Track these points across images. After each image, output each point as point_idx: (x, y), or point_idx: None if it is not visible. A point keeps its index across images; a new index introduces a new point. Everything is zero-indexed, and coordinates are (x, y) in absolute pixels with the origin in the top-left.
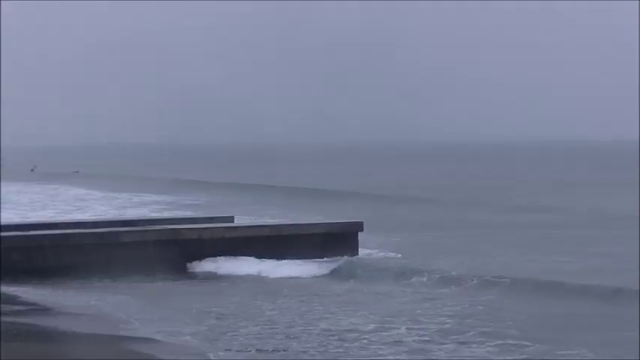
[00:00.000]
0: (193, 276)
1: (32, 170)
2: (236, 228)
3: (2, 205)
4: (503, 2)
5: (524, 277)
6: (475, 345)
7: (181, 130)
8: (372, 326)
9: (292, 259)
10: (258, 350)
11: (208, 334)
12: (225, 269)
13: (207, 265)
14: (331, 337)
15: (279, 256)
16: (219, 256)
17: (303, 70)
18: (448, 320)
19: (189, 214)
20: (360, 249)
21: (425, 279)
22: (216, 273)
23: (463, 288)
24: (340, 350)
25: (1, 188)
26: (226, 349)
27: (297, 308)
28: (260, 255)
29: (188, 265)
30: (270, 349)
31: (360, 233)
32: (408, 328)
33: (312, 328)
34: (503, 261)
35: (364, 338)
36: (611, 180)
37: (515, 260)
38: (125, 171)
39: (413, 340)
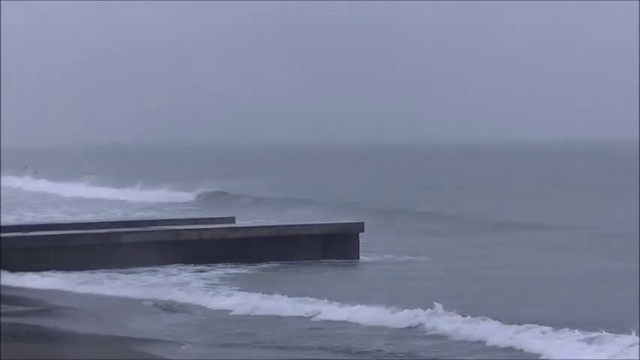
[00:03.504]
0: None
1: (36, 172)
2: (236, 229)
3: (13, 209)
4: (503, 2)
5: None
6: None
7: (181, 131)
8: None
9: (294, 260)
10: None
11: (217, 339)
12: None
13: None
14: None
15: (279, 258)
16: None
17: (303, 70)
18: None
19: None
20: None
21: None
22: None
23: None
24: None
25: (11, 190)
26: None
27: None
28: (261, 257)
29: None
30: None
31: (361, 234)
32: None
33: None
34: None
35: None
36: (610, 184)
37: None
38: (139, 171)
39: None
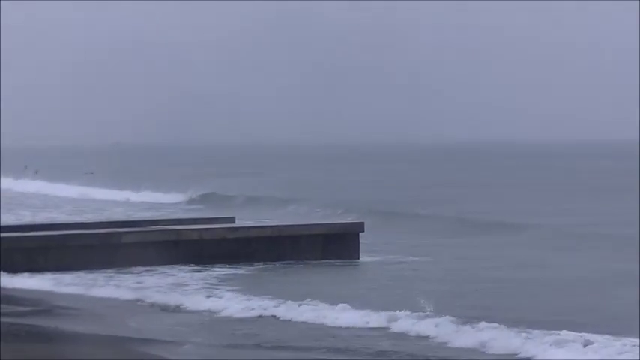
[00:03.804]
0: None
1: (36, 173)
2: (237, 229)
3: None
4: (503, 2)
5: None
6: None
7: (182, 131)
8: None
9: (295, 260)
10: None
11: (219, 339)
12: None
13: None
14: None
15: (279, 258)
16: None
17: (303, 70)
18: None
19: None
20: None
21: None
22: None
23: None
24: None
25: (11, 190)
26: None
27: None
28: (262, 257)
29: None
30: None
31: (361, 234)
32: None
33: None
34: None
35: None
36: (610, 184)
37: None
38: (138, 171)
39: None
